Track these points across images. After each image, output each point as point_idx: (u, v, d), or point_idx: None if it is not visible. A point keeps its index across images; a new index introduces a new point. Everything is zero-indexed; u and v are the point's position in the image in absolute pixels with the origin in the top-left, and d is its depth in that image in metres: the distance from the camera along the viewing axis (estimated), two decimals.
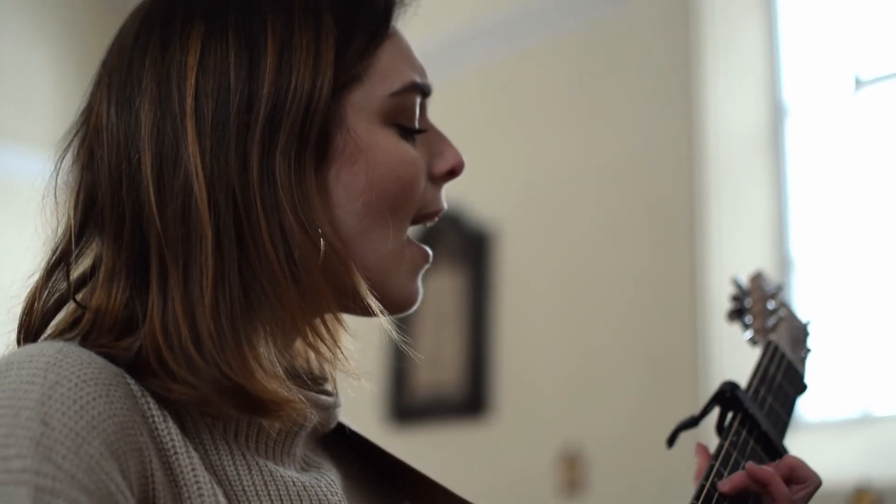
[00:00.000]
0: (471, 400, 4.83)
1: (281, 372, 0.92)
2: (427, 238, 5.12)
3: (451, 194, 4.35)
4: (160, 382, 0.87)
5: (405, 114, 1.01)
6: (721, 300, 3.76)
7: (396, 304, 1.04)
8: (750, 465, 1.08)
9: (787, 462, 1.10)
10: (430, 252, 1.06)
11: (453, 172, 1.06)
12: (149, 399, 0.87)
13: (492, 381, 4.80)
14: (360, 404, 4.59)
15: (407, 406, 5.10)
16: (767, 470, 1.07)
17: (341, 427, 1.11)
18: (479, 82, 5.12)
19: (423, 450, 4.97)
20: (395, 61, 1.01)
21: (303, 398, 0.95)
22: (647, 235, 4.38)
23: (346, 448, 1.12)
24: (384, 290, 1.00)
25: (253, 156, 0.92)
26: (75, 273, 0.95)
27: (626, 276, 4.37)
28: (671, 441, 1.17)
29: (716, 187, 4.29)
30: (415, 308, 1.06)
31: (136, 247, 0.91)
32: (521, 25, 4.95)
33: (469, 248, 5.01)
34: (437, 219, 1.07)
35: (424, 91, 1.03)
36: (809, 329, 1.35)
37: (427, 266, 1.05)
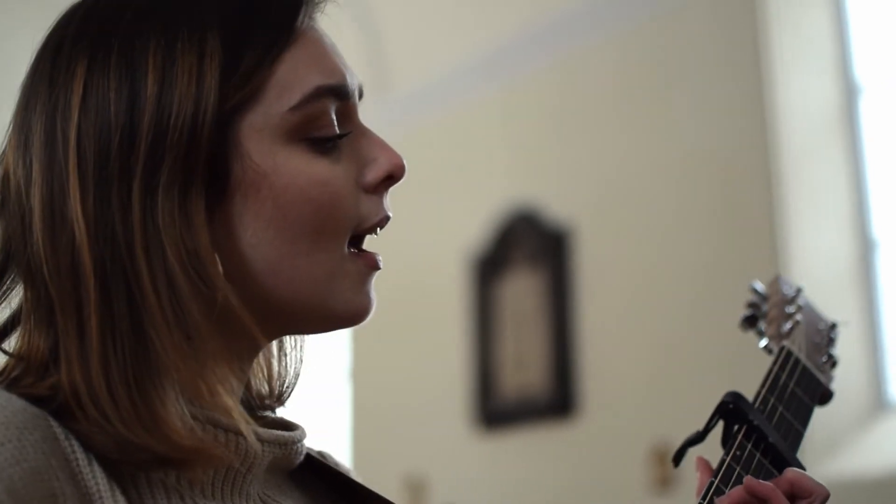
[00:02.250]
0: (558, 400, 4.81)
1: (189, 421, 0.85)
2: (504, 239, 5.15)
3: (526, 194, 4.38)
4: (81, 427, 0.84)
5: (315, 124, 0.92)
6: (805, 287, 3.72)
7: (345, 319, 0.97)
8: (748, 479, 1.02)
9: (787, 477, 1.04)
10: (378, 257, 0.98)
11: (391, 178, 0.97)
12: (73, 442, 0.83)
13: (578, 381, 4.77)
14: (447, 412, 4.64)
15: (494, 410, 5.08)
16: (766, 485, 1.02)
17: (316, 460, 1.06)
18: (550, 81, 5.10)
19: (512, 453, 4.97)
20: (297, 71, 0.92)
21: (225, 440, 0.89)
22: (726, 226, 4.33)
23: (319, 481, 1.07)
24: (327, 308, 0.94)
25: (134, 197, 0.86)
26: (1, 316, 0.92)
27: (706, 267, 4.32)
28: (677, 458, 1.11)
29: (792, 172, 4.23)
30: (368, 317, 0.98)
31: (44, 296, 0.87)
32: (588, 21, 4.93)
33: (547, 247, 4.99)
34: (380, 228, 0.99)
35: (340, 93, 0.94)
36: (835, 332, 1.28)
37: (375, 272, 0.98)
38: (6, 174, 0.92)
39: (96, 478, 0.83)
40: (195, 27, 0.90)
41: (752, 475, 1.05)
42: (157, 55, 0.88)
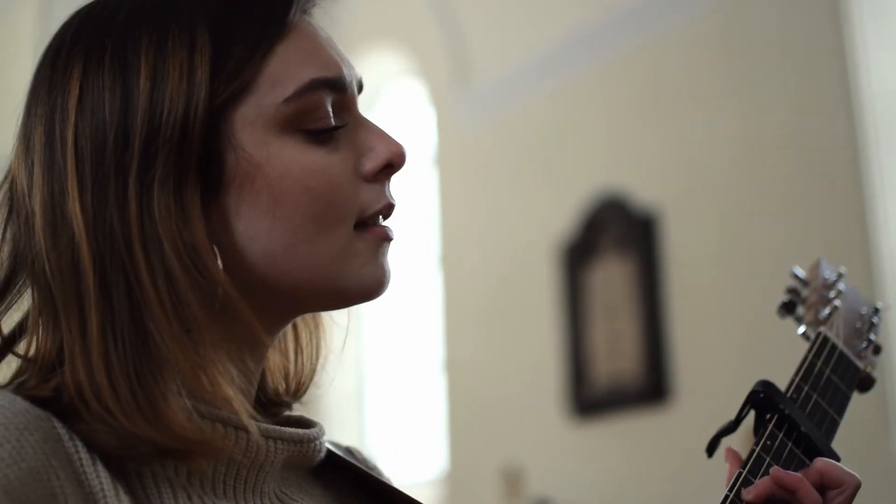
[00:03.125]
0: (651, 387, 4.77)
1: (191, 413, 0.86)
2: (592, 226, 5.12)
3: (613, 181, 4.35)
4: (86, 427, 0.85)
5: (311, 116, 0.93)
6: None
7: (360, 295, 0.97)
8: (775, 469, 1.00)
9: (816, 467, 1.02)
10: (389, 228, 0.97)
11: (391, 166, 0.97)
12: (77, 442, 0.85)
13: (670, 366, 4.73)
14: (540, 401, 4.63)
15: (587, 399, 5.07)
16: (794, 475, 1.00)
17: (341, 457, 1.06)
18: (634, 66, 5.06)
19: (606, 441, 4.95)
20: (290, 63, 0.93)
21: (233, 432, 0.90)
22: (813, 207, 4.26)
23: (345, 478, 1.07)
24: (339, 287, 0.94)
25: (130, 193, 0.88)
26: (12, 320, 0.94)
27: (794, 249, 4.26)
28: (711, 449, 1.09)
29: (878, 151, 4.15)
30: (385, 289, 0.97)
31: (49, 296, 0.89)
32: (671, 5, 4.88)
33: (635, 233, 4.95)
34: (385, 217, 0.98)
35: (335, 86, 0.94)
36: (878, 316, 1.24)
37: (389, 242, 0.97)
38: (13, 182, 0.94)
39: (100, 477, 0.84)
40: (185, 23, 0.91)
41: (782, 465, 1.03)
42: (149, 53, 0.90)
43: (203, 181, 0.90)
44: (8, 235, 0.94)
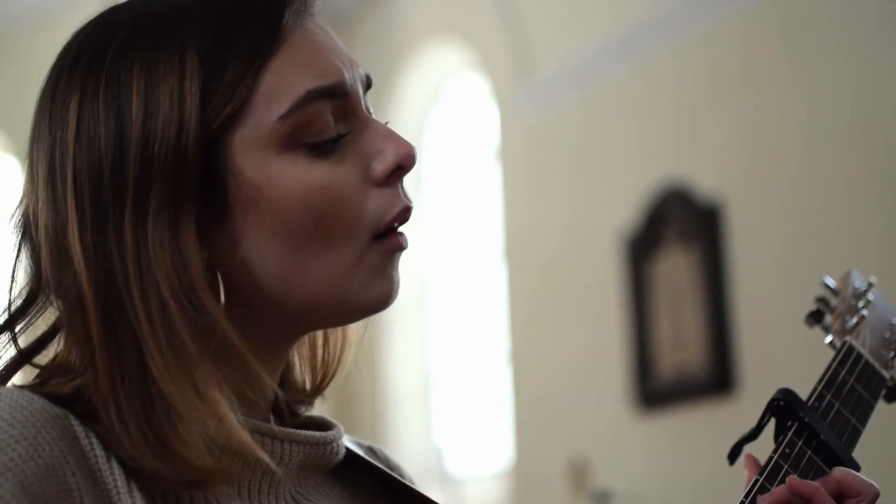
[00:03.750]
0: (717, 378, 4.74)
1: (202, 447, 0.85)
2: (656, 217, 5.09)
3: (676, 171, 4.32)
4: (103, 429, 0.86)
5: (310, 129, 0.90)
6: None
7: (368, 309, 0.95)
8: (791, 478, 0.99)
9: (834, 477, 1.00)
10: (403, 237, 0.95)
11: (401, 168, 0.93)
12: (93, 440, 0.85)
13: (736, 357, 4.70)
14: (606, 393, 4.61)
15: (653, 391, 5.04)
16: (810, 484, 0.98)
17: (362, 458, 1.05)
18: (696, 55, 5.03)
19: (673, 433, 4.92)
20: (286, 76, 0.90)
21: (260, 449, 0.88)
22: (879, 195, 4.21)
23: (367, 479, 1.05)
24: (349, 302, 0.93)
25: (126, 228, 0.86)
26: (34, 334, 0.94)
27: (858, 238, 4.22)
28: (732, 457, 1.08)
29: None
30: (393, 301, 0.95)
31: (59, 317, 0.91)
32: None
33: (699, 223, 4.92)
34: (403, 222, 0.95)
35: (335, 93, 0.91)
36: None
37: (400, 252, 0.95)
38: (25, 202, 0.94)
39: (114, 475, 0.85)
40: (176, 48, 0.89)
41: (800, 473, 1.02)
42: (141, 81, 0.88)
43: (205, 208, 0.89)
44: (27, 254, 0.94)
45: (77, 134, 0.89)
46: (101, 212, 0.87)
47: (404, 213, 0.95)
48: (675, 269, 5.01)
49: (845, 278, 1.25)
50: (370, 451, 1.10)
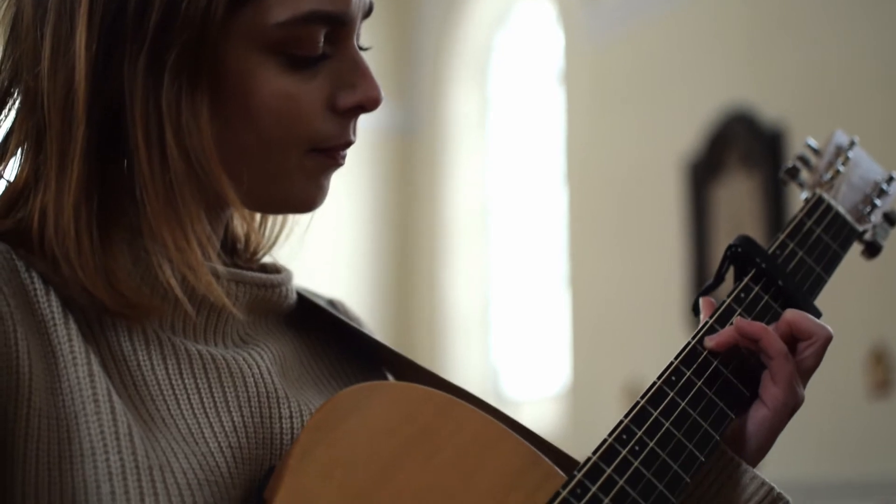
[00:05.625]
0: None
1: (138, 278, 0.89)
2: (719, 142, 5.06)
3: (740, 96, 4.31)
4: (42, 262, 0.88)
5: (298, 44, 0.91)
6: None
7: (295, 206, 0.98)
8: (738, 319, 0.98)
9: (785, 318, 0.99)
10: (342, 155, 0.97)
11: (362, 108, 0.95)
12: (33, 273, 0.87)
13: None
14: (665, 318, 4.59)
15: None
16: (756, 324, 0.97)
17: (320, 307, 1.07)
18: None
19: None
20: None
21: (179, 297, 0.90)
22: None
23: (325, 330, 1.07)
24: (282, 194, 0.95)
25: (139, 70, 0.87)
26: None
27: None
28: (695, 308, 1.05)
29: None
30: (318, 206, 0.98)
31: (40, 125, 0.90)
32: None
33: (762, 149, 4.89)
34: (342, 151, 0.97)
35: (335, 20, 0.92)
36: (891, 185, 1.19)
37: (335, 168, 0.97)
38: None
39: (51, 306, 0.87)
40: None
41: (755, 317, 1.00)
42: None
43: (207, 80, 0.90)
44: (10, 52, 0.93)
45: None
46: (115, 35, 0.87)
47: (345, 147, 0.97)
48: (737, 195, 4.99)
49: (829, 138, 1.22)
50: (330, 303, 1.11)
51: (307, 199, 0.97)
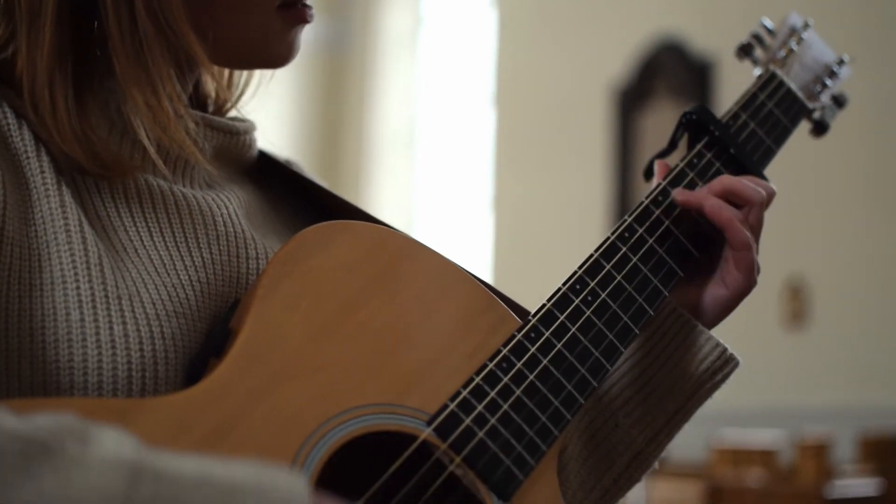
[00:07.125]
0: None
1: (115, 139, 0.91)
2: (648, 71, 5.07)
3: (671, 25, 4.33)
4: (33, 122, 0.89)
5: None
6: None
7: (267, 61, 0.99)
8: (677, 191, 1.03)
9: (721, 181, 1.04)
10: (308, 12, 0.99)
11: None
12: (6, 109, 0.89)
13: None
14: (586, 244, 4.63)
15: None
16: (696, 194, 1.02)
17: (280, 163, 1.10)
18: None
19: None
20: None
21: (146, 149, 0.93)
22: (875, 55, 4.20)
23: (283, 184, 1.11)
24: (253, 49, 0.97)
25: None
26: None
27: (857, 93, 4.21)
28: (647, 173, 1.11)
29: None
30: (289, 61, 1.00)
31: None
32: None
33: (691, 79, 4.91)
34: (311, 9, 0.99)
35: None
36: (842, 67, 1.24)
37: (304, 25, 0.99)
38: None
39: (24, 140, 0.89)
40: None
41: (706, 182, 1.05)
42: None
43: None
44: None
45: None
46: None
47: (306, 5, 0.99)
48: (664, 123, 5.01)
49: (784, 20, 1.26)
50: (287, 162, 1.14)
51: (279, 54, 0.98)
